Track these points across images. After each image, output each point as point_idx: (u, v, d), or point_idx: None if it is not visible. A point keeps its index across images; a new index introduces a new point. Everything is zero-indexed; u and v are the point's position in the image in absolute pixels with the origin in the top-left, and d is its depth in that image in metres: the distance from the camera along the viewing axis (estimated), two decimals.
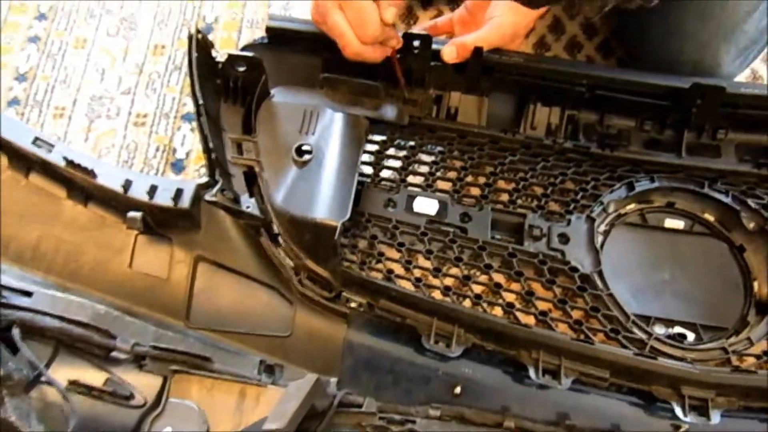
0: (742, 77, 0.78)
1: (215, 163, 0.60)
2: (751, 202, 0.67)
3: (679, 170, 0.69)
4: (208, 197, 0.58)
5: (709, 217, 0.69)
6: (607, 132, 0.71)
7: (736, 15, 0.68)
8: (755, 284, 0.65)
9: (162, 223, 0.59)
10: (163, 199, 0.57)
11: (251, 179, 0.63)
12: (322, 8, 0.62)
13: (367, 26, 0.61)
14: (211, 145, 0.60)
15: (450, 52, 0.67)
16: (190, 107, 0.84)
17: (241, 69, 0.64)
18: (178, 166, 0.80)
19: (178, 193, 0.57)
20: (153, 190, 0.57)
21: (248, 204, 0.61)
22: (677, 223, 0.70)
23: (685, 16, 0.69)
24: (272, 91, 0.68)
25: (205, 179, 0.61)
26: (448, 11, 0.78)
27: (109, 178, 0.58)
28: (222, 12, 0.91)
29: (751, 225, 0.66)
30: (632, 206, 0.70)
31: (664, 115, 0.70)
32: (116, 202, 0.58)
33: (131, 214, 0.56)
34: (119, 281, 0.59)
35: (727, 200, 0.67)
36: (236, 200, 0.60)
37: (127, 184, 0.57)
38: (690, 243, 0.68)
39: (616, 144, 0.70)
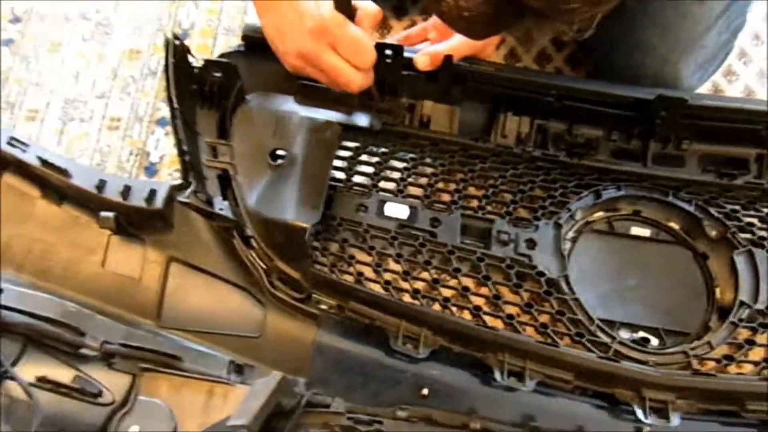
0: (703, 90, 0.83)
1: (189, 166, 0.63)
2: (713, 210, 0.72)
3: (644, 179, 0.74)
4: (181, 198, 0.62)
5: (674, 225, 0.73)
6: (576, 141, 0.76)
7: (695, 31, 0.73)
8: (717, 291, 0.70)
9: (135, 223, 0.62)
10: (137, 199, 0.60)
11: (225, 182, 0.67)
12: (310, 55, 0.64)
13: (365, 53, 0.65)
14: (185, 147, 0.63)
15: (423, 61, 0.71)
16: (164, 112, 0.88)
17: (217, 75, 0.68)
18: (151, 170, 0.83)
19: (152, 194, 0.61)
20: (127, 190, 0.61)
21: (221, 206, 0.65)
22: (643, 231, 0.74)
23: (647, 31, 0.74)
24: (248, 97, 0.72)
25: (178, 182, 0.64)
26: (422, 21, 0.83)
27: (84, 179, 0.61)
28: (198, 18, 0.95)
29: (714, 233, 0.71)
30: (599, 214, 0.74)
31: (630, 125, 0.75)
32: (90, 202, 0.61)
33: (104, 213, 0.59)
34: (91, 281, 0.62)
35: (691, 209, 0.72)
36: (209, 202, 0.64)
37: (101, 185, 0.60)
38: (655, 250, 0.73)
39: (583, 153, 0.75)
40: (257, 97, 0.72)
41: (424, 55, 0.71)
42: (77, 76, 0.90)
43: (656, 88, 0.74)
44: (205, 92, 0.69)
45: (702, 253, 0.72)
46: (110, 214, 0.59)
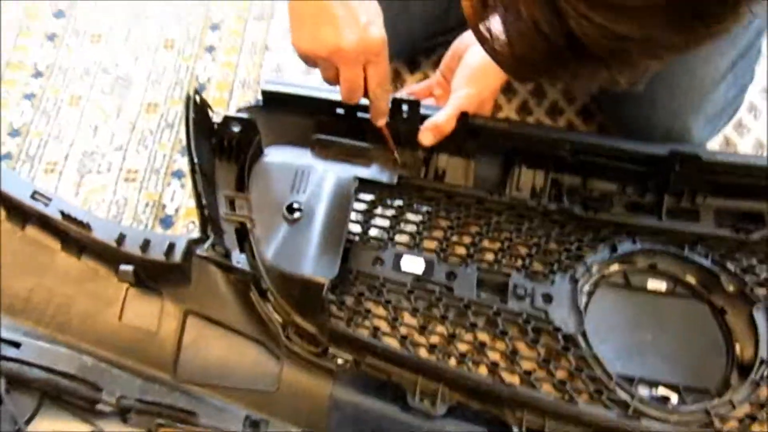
0: (714, 143, 0.86)
1: (207, 219, 0.66)
2: (730, 265, 0.73)
3: (660, 233, 0.76)
4: (199, 252, 0.64)
5: (691, 279, 0.75)
6: (590, 195, 0.78)
7: (703, 88, 0.76)
8: (737, 346, 0.70)
9: (153, 276, 0.64)
10: (156, 253, 0.62)
11: (243, 235, 0.69)
12: (343, 57, 0.63)
13: (386, 93, 0.69)
14: (204, 201, 0.65)
15: (427, 137, 0.74)
16: (180, 164, 0.91)
17: (236, 129, 0.70)
18: (167, 222, 0.86)
19: (171, 247, 0.63)
20: (146, 244, 0.63)
21: (239, 259, 0.66)
22: (659, 285, 0.75)
23: (655, 86, 0.77)
24: (265, 151, 0.75)
25: (194, 235, 0.66)
26: (434, 74, 0.87)
27: (104, 232, 0.63)
28: (215, 72, 0.99)
29: (731, 288, 0.72)
30: (615, 267, 0.76)
31: (644, 179, 0.77)
32: (109, 255, 0.63)
33: (123, 267, 0.61)
34: (108, 333, 0.63)
35: (707, 264, 0.73)
36: (227, 255, 0.66)
37: (121, 238, 0.62)
38: (672, 304, 0.74)
39: (598, 207, 0.77)
40: (275, 151, 0.75)
41: (426, 132, 0.74)
42: (96, 128, 0.94)
43: (667, 141, 0.77)
44: (223, 146, 0.72)
45: (720, 308, 0.72)
46: (129, 268, 0.61)
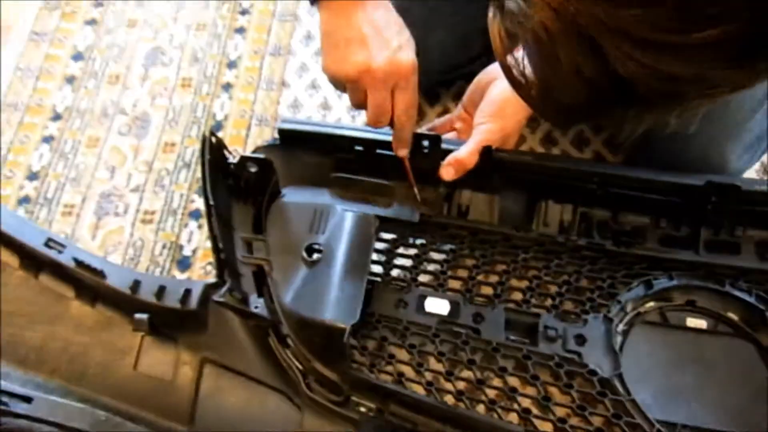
0: (751, 171, 0.83)
1: (224, 263, 0.65)
2: None
3: (698, 267, 0.73)
4: (216, 298, 0.63)
5: (733, 316, 0.71)
6: (622, 229, 0.75)
7: (740, 114, 0.74)
8: None
9: (169, 324, 0.63)
10: (171, 300, 0.61)
11: (261, 279, 0.68)
12: (372, 77, 0.64)
13: (411, 119, 0.68)
14: (220, 245, 0.65)
15: (448, 173, 0.72)
16: (197, 204, 0.90)
17: (253, 170, 0.70)
18: (184, 264, 0.85)
19: (186, 294, 0.62)
20: (161, 291, 0.62)
21: (257, 304, 0.65)
22: (699, 323, 0.72)
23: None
24: (283, 191, 0.74)
25: (212, 278, 0.65)
26: (455, 107, 0.86)
27: (118, 279, 0.63)
28: (232, 110, 0.99)
29: None
30: (651, 304, 0.73)
31: (678, 212, 0.74)
32: (124, 303, 0.62)
33: (138, 315, 0.60)
34: (123, 384, 0.62)
35: (751, 299, 0.70)
36: (245, 300, 0.65)
37: (135, 285, 0.61)
38: (714, 343, 0.70)
39: (631, 241, 0.74)
40: (292, 191, 0.74)
41: (448, 167, 0.72)
42: (113, 170, 0.94)
43: (702, 172, 0.74)
44: (240, 187, 0.71)
45: (766, 347, 0.69)
46: (144, 316, 0.60)
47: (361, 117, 0.97)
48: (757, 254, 0.73)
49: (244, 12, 1.09)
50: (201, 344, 0.64)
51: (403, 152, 0.72)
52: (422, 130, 0.74)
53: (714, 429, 0.65)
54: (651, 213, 0.75)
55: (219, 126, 0.98)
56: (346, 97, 0.98)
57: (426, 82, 0.90)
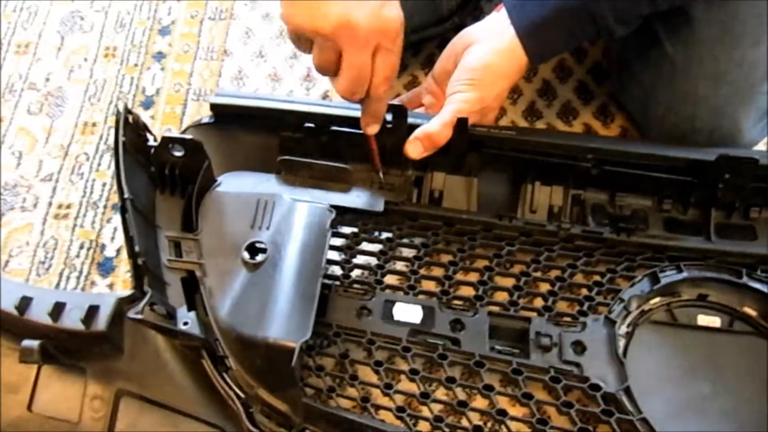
0: (763, 144, 0.75)
1: (143, 271, 0.53)
2: None
3: (709, 256, 0.65)
4: (132, 315, 0.51)
5: (750, 311, 0.63)
6: (620, 213, 0.67)
7: (753, 77, 0.65)
8: None
9: (71, 350, 0.51)
10: (72, 320, 0.50)
11: (191, 287, 0.57)
12: (351, 35, 0.54)
13: (391, 79, 0.59)
14: (137, 248, 0.53)
15: (415, 148, 0.62)
16: None
17: (179, 154, 0.58)
18: (106, 267, 0.73)
19: (91, 311, 0.50)
20: (58, 309, 0.50)
21: (186, 319, 0.54)
22: (713, 320, 0.64)
23: (696, 81, 0.66)
24: (218, 179, 0.63)
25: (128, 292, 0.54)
26: (424, 77, 0.75)
27: (4, 296, 0.50)
28: (164, 83, 0.87)
29: None
30: (657, 300, 0.64)
31: (686, 192, 0.65)
32: (11, 327, 0.50)
33: (26, 343, 0.48)
34: (15, 428, 0.50)
35: None
36: (170, 315, 0.53)
37: (24, 303, 0.49)
38: (730, 343, 0.63)
39: (632, 228, 0.66)
40: (231, 178, 0.63)
41: (415, 142, 0.62)
42: (20, 156, 0.81)
43: (711, 144, 0.66)
44: (165, 175, 0.60)
45: None
46: (34, 344, 0.48)
47: (317, 90, 0.86)
48: None
49: None
50: (115, 373, 0.52)
51: (374, 129, 0.61)
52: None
53: None
54: (654, 194, 0.67)
55: (150, 102, 0.85)
56: (298, 67, 0.87)
57: None
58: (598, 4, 0.59)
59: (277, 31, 0.92)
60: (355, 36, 0.54)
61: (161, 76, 0.88)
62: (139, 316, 0.51)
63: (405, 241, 0.65)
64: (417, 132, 0.62)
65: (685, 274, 0.63)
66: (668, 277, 0.63)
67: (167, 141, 0.57)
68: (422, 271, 0.63)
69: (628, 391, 0.57)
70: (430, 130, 0.62)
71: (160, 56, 0.90)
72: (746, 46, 0.65)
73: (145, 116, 0.83)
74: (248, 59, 0.89)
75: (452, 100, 0.62)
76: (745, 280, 0.63)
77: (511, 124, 0.81)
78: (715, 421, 0.58)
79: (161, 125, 0.83)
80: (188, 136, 0.58)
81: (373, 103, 0.59)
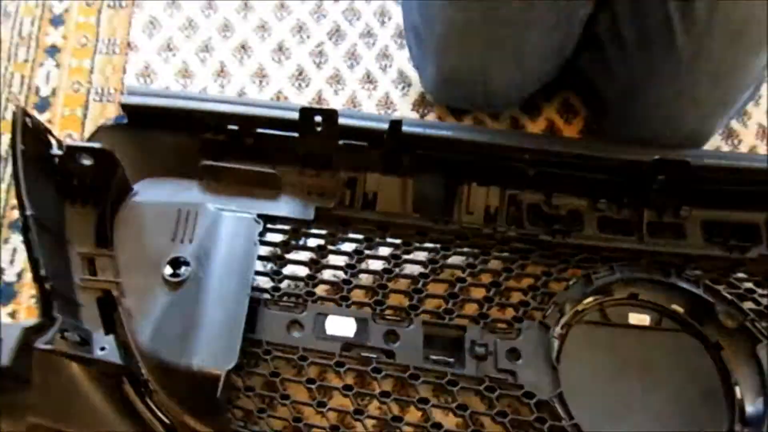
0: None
1: (52, 295, 0.48)
2: (725, 292, 0.62)
3: (641, 256, 0.64)
4: (40, 346, 0.47)
5: (678, 308, 0.64)
6: (556, 214, 0.65)
7: (744, 83, 0.65)
8: (737, 390, 0.60)
9: None
10: None
11: (108, 308, 0.53)
12: None
13: None
14: (43, 272, 0.48)
15: None
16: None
17: (88, 163, 0.53)
18: (6, 294, 0.65)
19: None
20: None
21: (104, 344, 0.50)
22: (643, 318, 0.64)
23: (698, 75, 0.64)
24: (135, 187, 0.58)
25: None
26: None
27: None
28: (61, 82, 0.77)
29: (729, 322, 0.61)
30: (590, 300, 0.64)
31: (619, 192, 0.65)
32: None
33: None
34: None
35: (698, 291, 0.62)
36: (85, 341, 0.49)
37: None
38: (658, 341, 0.63)
39: (567, 230, 0.64)
40: (148, 186, 0.58)
41: None
42: None
43: (682, 145, 0.66)
44: (73, 186, 0.54)
45: (715, 343, 0.62)
46: None
47: (232, 87, 0.78)
48: (704, 237, 0.65)
49: None
50: (24, 407, 0.48)
51: None
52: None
53: None
54: (589, 194, 0.65)
55: (45, 104, 0.76)
56: (211, 61, 0.80)
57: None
58: None
59: (185, 21, 0.82)
60: None
61: (56, 73, 0.78)
62: (49, 347, 0.47)
63: (336, 248, 0.62)
64: None
65: (617, 275, 0.63)
66: (601, 278, 0.63)
67: (73, 150, 0.52)
68: (355, 281, 0.60)
69: (560, 397, 0.57)
70: None
71: (53, 50, 0.79)
72: (753, 53, 0.63)
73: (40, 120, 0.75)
74: (154, 53, 0.80)
75: None
76: (673, 279, 0.63)
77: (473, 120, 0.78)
78: (645, 420, 0.59)
79: (60, 130, 0.75)
80: (97, 144, 0.53)
81: None
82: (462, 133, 0.64)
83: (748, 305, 0.62)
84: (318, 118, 0.58)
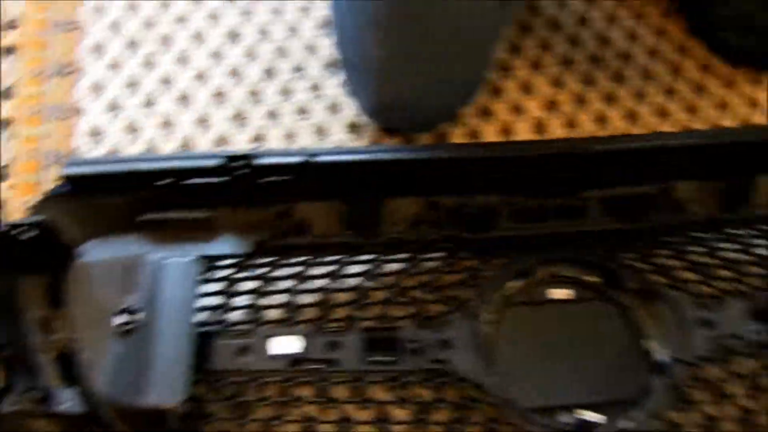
0: None
1: (10, 362, 0.51)
2: (626, 258, 0.67)
3: (553, 238, 0.69)
4: (5, 410, 0.49)
5: (592, 279, 0.68)
6: (472, 212, 0.69)
7: None
8: (647, 344, 0.64)
9: None
10: None
11: (68, 363, 0.55)
12: None
13: None
14: None
15: None
16: None
17: (31, 235, 0.56)
18: None
19: None
20: None
21: (66, 397, 0.53)
22: (564, 293, 0.68)
23: None
24: (81, 249, 0.61)
25: None
26: None
27: None
28: (17, 152, 0.79)
29: (631, 283, 0.66)
30: (515, 285, 0.68)
31: (528, 186, 0.69)
32: None
33: None
34: None
35: (605, 261, 0.67)
36: (47, 398, 0.52)
37: None
38: (579, 312, 0.68)
39: (483, 224, 0.69)
40: (94, 246, 0.61)
41: None
42: None
43: None
44: (20, 257, 0.57)
45: (625, 306, 0.66)
46: None
47: (176, 136, 0.79)
48: (601, 213, 0.69)
49: (12, 26, 0.88)
50: None
51: None
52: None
53: (591, 402, 0.62)
54: (499, 190, 0.69)
55: (6, 175, 0.78)
56: (156, 113, 0.81)
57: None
58: None
59: (126, 80, 0.84)
60: None
61: (12, 144, 0.78)
62: (15, 408, 0.50)
63: (277, 275, 0.65)
64: None
65: (535, 258, 0.67)
66: (521, 262, 0.67)
67: (11, 229, 0.54)
68: (299, 301, 0.64)
69: (493, 377, 0.60)
70: None
71: (6, 123, 0.80)
72: None
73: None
74: (101, 113, 0.81)
75: None
76: (585, 254, 0.67)
77: None
78: (571, 385, 0.63)
79: (22, 197, 0.75)
80: (37, 219, 0.56)
81: None
82: (379, 154, 0.67)
83: (648, 266, 0.66)
84: (238, 163, 0.62)
